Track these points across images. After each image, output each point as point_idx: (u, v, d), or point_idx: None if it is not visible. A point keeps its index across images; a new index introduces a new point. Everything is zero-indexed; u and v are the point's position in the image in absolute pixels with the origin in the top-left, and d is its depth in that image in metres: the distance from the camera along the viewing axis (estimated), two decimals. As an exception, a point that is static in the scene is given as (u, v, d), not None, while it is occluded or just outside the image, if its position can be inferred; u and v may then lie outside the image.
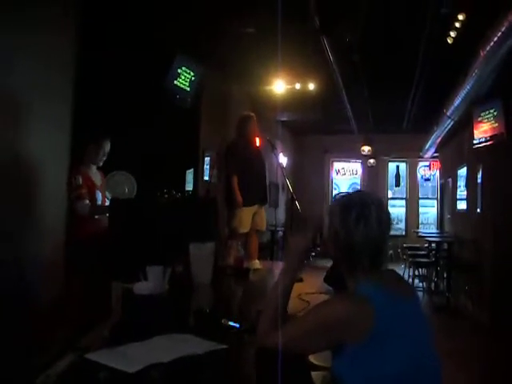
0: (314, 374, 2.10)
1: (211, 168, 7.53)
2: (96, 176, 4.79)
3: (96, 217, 4.57)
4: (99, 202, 4.64)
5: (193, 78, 6.21)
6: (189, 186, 6.53)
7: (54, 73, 3.82)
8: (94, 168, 4.76)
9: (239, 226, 5.56)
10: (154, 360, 1.60)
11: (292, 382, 1.65)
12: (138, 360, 1.60)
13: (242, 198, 5.57)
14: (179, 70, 6.04)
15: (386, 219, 1.80)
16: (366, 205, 1.79)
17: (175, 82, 6.02)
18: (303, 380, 1.78)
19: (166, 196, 4.00)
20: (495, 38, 5.05)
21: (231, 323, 2.03)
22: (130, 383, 1.50)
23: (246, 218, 5.66)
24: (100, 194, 4.69)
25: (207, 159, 7.41)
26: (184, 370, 1.56)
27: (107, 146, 4.72)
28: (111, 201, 4.30)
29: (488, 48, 5.30)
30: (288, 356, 1.66)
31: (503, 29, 4.85)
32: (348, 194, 1.90)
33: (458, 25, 5.55)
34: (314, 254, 2.01)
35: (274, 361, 1.60)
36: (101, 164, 4.77)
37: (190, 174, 6.69)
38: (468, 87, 6.63)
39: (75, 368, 1.62)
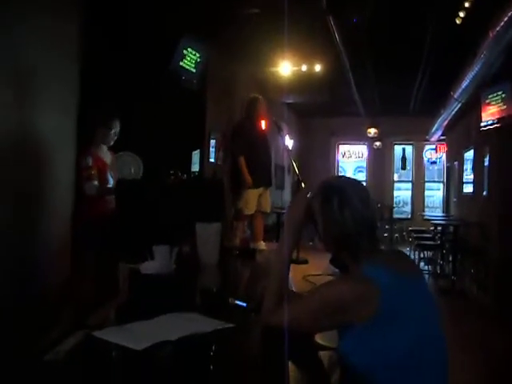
0: (320, 353, 2.10)
1: (217, 150, 7.52)
2: (107, 156, 4.81)
3: (106, 198, 4.59)
4: (111, 182, 4.66)
5: (198, 60, 6.18)
6: (195, 167, 6.53)
7: (60, 55, 3.81)
8: (104, 148, 4.78)
9: (245, 208, 5.58)
10: (161, 338, 1.61)
11: (299, 361, 1.65)
12: (146, 337, 1.60)
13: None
14: (185, 52, 6.01)
15: (364, 191, 1.80)
16: (342, 190, 1.78)
17: (181, 63, 5.99)
18: (311, 359, 1.78)
19: (172, 177, 4.01)
20: (505, 18, 5.00)
21: (238, 302, 2.03)
22: (138, 360, 1.51)
23: (252, 199, 5.67)
24: (111, 174, 4.71)
25: (213, 142, 7.39)
26: (191, 348, 1.57)
27: (117, 127, 4.75)
28: (118, 182, 4.31)
29: (498, 29, 5.25)
30: (295, 334, 1.66)
31: (513, 9, 4.81)
32: (318, 187, 1.88)
33: (467, 4, 5.50)
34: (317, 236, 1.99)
35: (280, 340, 1.60)
36: (112, 143, 4.79)
37: (196, 156, 6.68)
38: (476, 69, 6.57)
39: (83, 345, 1.63)
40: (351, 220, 1.72)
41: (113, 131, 4.73)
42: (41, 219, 3.58)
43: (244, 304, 2.03)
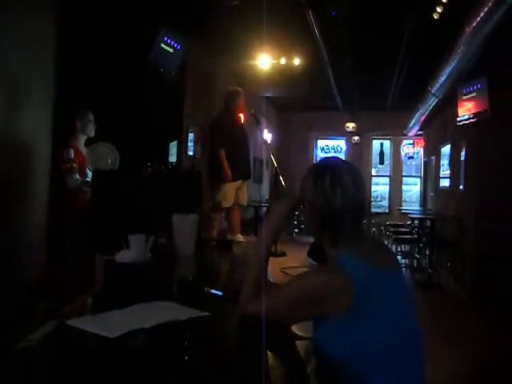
0: (297, 343, 2.10)
1: (195, 143, 7.50)
2: (84, 148, 4.80)
3: (84, 189, 4.57)
4: (89, 175, 4.66)
5: (176, 53, 6.13)
6: (172, 159, 6.51)
7: (36, 46, 3.77)
8: (82, 140, 4.77)
9: (223, 200, 5.58)
10: (135, 326, 1.59)
11: (276, 350, 1.64)
12: (120, 326, 1.59)
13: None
14: (163, 44, 5.97)
15: (358, 175, 1.80)
16: (337, 167, 1.77)
17: (159, 56, 5.94)
18: (287, 347, 1.78)
19: (149, 168, 3.99)
20: (482, 14, 5.04)
21: (214, 291, 2.02)
22: (112, 348, 1.49)
23: (230, 192, 5.67)
24: (88, 167, 4.70)
25: (191, 135, 7.37)
26: (166, 336, 1.56)
27: (91, 117, 4.74)
28: (94, 172, 4.28)
29: (474, 24, 5.29)
30: (272, 324, 1.66)
31: (489, 4, 4.85)
32: (314, 164, 1.88)
33: (444, 0, 5.53)
34: (296, 230, 2.00)
35: (257, 329, 1.60)
36: (93, 134, 4.79)
37: (173, 147, 6.66)
38: (453, 64, 6.63)
39: (56, 334, 1.61)
40: (340, 198, 1.70)
41: (88, 121, 4.72)
42: (17, 210, 3.54)
43: (220, 293, 2.03)
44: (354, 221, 1.75)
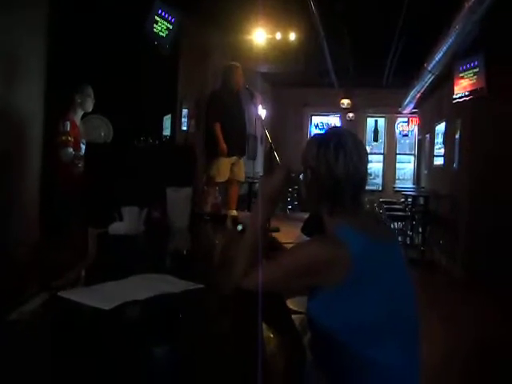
0: (292, 316, 2.10)
1: (189, 118, 7.45)
2: (80, 124, 4.76)
3: (77, 163, 4.54)
4: (83, 150, 4.62)
5: (171, 26, 6.07)
6: (166, 132, 6.46)
7: (29, 19, 3.71)
8: (80, 115, 4.73)
9: (217, 175, 5.56)
10: (129, 298, 1.58)
11: (271, 322, 1.64)
12: (114, 298, 1.57)
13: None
14: (157, 17, 5.89)
15: (363, 147, 1.78)
16: (341, 135, 1.76)
17: (154, 28, 5.88)
18: (283, 320, 1.77)
19: (143, 142, 3.96)
20: (480, -11, 4.99)
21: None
22: (106, 320, 1.48)
23: (224, 167, 5.65)
24: (82, 142, 4.66)
25: (185, 111, 7.32)
26: (160, 308, 1.54)
27: (90, 91, 4.71)
28: (87, 145, 4.25)
29: (472, 0, 5.23)
30: (267, 296, 1.64)
31: (488, -20, 4.79)
32: (319, 134, 1.87)
33: (442, -25, 5.47)
34: (289, 207, 1.98)
35: (253, 301, 1.59)
36: (91, 109, 4.75)
37: (167, 120, 6.61)
38: (450, 41, 6.58)
39: (48, 305, 1.59)
40: (343, 166, 1.69)
41: (91, 97, 4.70)
42: (10, 182, 3.52)
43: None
44: (353, 191, 1.73)
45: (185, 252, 2.28)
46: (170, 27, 6.06)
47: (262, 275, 1.70)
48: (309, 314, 1.72)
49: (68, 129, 4.49)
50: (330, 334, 1.64)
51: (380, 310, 1.63)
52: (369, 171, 1.81)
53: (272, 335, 1.61)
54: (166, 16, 5.99)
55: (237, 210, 5.40)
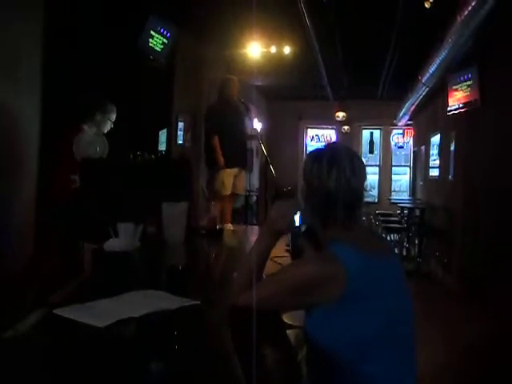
0: (287, 331, 2.09)
1: (185, 132, 7.46)
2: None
3: (72, 177, 4.54)
4: None
5: (166, 40, 6.10)
6: (162, 147, 6.47)
7: (24, 33, 3.72)
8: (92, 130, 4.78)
9: (221, 189, 5.56)
10: (125, 315, 1.58)
11: (267, 338, 1.64)
12: (109, 315, 1.57)
13: (224, 159, 5.58)
14: (152, 32, 5.92)
15: (359, 163, 1.79)
16: (336, 151, 1.78)
17: (149, 42, 5.90)
18: (278, 336, 1.77)
19: (139, 156, 3.95)
20: (473, 3, 5.02)
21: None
22: (101, 338, 1.47)
23: (228, 180, 5.67)
24: None
25: (181, 124, 7.33)
26: (156, 325, 1.54)
27: (114, 115, 4.76)
28: (82, 160, 4.23)
29: (465, 13, 5.27)
30: (263, 312, 1.64)
31: (481, -7, 4.83)
32: (318, 148, 1.89)
33: (436, -12, 5.51)
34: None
35: (248, 318, 1.59)
36: (106, 131, 4.80)
37: (163, 135, 6.62)
38: (444, 53, 6.61)
39: (44, 323, 1.59)
40: (335, 180, 1.71)
41: (110, 119, 4.75)
42: (4, 196, 3.51)
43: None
44: (347, 206, 1.74)
45: (180, 268, 2.28)
46: (166, 42, 6.09)
47: (258, 293, 1.70)
48: (306, 330, 1.72)
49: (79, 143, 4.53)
50: (327, 349, 1.64)
51: (377, 326, 1.63)
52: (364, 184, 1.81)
53: (267, 351, 1.61)
54: (162, 31, 6.02)
55: (232, 223, 5.40)
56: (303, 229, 1.93)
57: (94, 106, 4.74)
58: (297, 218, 1.87)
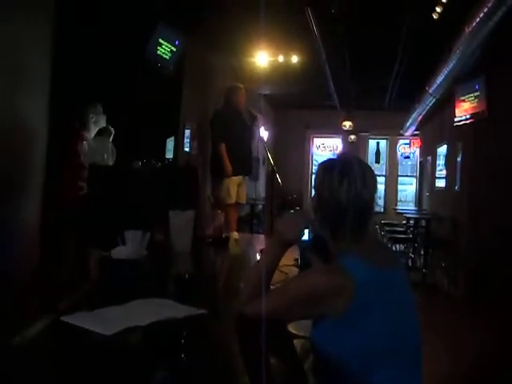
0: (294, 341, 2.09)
1: (192, 139, 7.47)
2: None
3: (79, 184, 4.58)
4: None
5: (174, 48, 6.12)
6: (169, 155, 6.48)
7: (34, 39, 3.74)
8: (94, 132, 4.83)
9: (227, 197, 5.55)
10: (131, 323, 1.58)
11: (273, 348, 1.63)
12: (116, 323, 1.58)
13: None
14: (160, 40, 5.95)
15: (370, 175, 1.78)
16: (348, 162, 1.77)
17: (157, 50, 5.92)
18: (284, 346, 1.77)
19: (146, 164, 3.97)
20: (480, 15, 5.02)
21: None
22: (108, 345, 1.48)
23: (233, 188, 5.66)
24: None
25: (188, 131, 7.34)
26: (162, 334, 1.54)
27: (100, 108, 4.81)
28: (90, 167, 4.26)
29: (473, 24, 5.28)
30: (269, 322, 1.64)
31: (489, 5, 4.83)
32: (330, 158, 1.88)
33: (444, 0, 5.51)
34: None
35: (255, 327, 1.59)
36: (104, 124, 4.86)
37: (170, 143, 6.63)
38: (451, 64, 6.61)
39: (51, 329, 1.59)
40: (345, 191, 1.70)
41: (101, 113, 4.79)
42: (11, 203, 3.51)
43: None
44: (356, 217, 1.73)
45: (187, 276, 2.28)
46: (174, 49, 6.10)
47: (266, 302, 1.70)
48: (313, 341, 1.72)
49: (86, 149, 4.58)
50: (333, 360, 1.64)
51: (384, 337, 1.62)
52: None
53: (274, 360, 1.60)
54: (170, 38, 6.04)
55: (238, 231, 5.39)
56: (312, 243, 1.93)
57: (86, 109, 4.80)
58: (306, 231, 1.87)
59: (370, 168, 1.82)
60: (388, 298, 1.67)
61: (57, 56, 3.98)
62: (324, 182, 1.75)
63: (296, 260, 2.56)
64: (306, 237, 1.93)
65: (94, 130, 4.85)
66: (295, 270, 2.33)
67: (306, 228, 1.86)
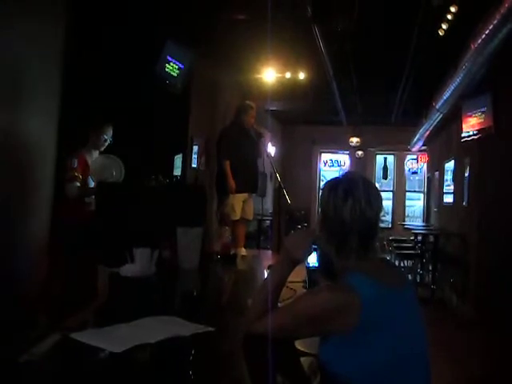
0: (301, 359, 2.09)
1: (199, 155, 7.51)
2: (94, 162, 4.82)
3: (87, 200, 4.59)
4: (91, 185, 4.69)
5: (182, 65, 6.17)
6: (177, 172, 6.51)
7: (44, 57, 3.77)
8: (95, 153, 4.81)
9: (231, 213, 5.56)
10: (140, 340, 1.59)
11: (280, 366, 1.64)
12: (124, 340, 1.58)
13: (234, 184, 5.59)
14: (169, 57, 6.00)
15: (375, 194, 1.79)
16: (352, 181, 1.79)
17: (165, 68, 5.98)
18: (292, 364, 1.77)
19: (154, 181, 3.99)
20: (486, 31, 5.05)
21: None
22: (116, 363, 1.48)
23: (238, 205, 5.67)
24: (92, 178, 4.71)
25: (195, 148, 7.38)
26: (171, 352, 1.55)
27: (109, 132, 4.81)
28: (98, 184, 4.28)
29: (479, 41, 5.30)
30: (276, 340, 1.65)
31: (494, 22, 4.85)
32: (336, 177, 1.90)
33: (449, 17, 5.55)
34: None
35: (262, 344, 1.59)
36: (102, 149, 4.84)
37: (178, 160, 6.67)
38: (458, 80, 6.63)
39: (60, 347, 1.60)
40: (350, 209, 1.71)
41: (103, 136, 4.78)
42: (19, 220, 3.53)
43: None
44: (361, 236, 1.74)
45: (195, 293, 2.29)
46: (182, 67, 6.16)
47: (272, 321, 1.71)
48: (320, 359, 1.72)
49: (75, 165, 4.57)
50: (340, 378, 1.64)
51: (391, 355, 1.62)
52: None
53: (281, 378, 1.61)
54: (178, 56, 6.10)
55: (245, 247, 5.39)
56: (319, 262, 1.94)
57: (88, 126, 4.82)
58: (314, 253, 1.88)
59: (375, 187, 1.84)
60: (395, 316, 1.67)
61: (67, 73, 4.02)
62: (329, 200, 1.76)
63: (304, 282, 2.57)
64: (314, 260, 1.94)
65: (93, 151, 4.87)
66: (303, 291, 2.33)
67: (313, 245, 1.87)
